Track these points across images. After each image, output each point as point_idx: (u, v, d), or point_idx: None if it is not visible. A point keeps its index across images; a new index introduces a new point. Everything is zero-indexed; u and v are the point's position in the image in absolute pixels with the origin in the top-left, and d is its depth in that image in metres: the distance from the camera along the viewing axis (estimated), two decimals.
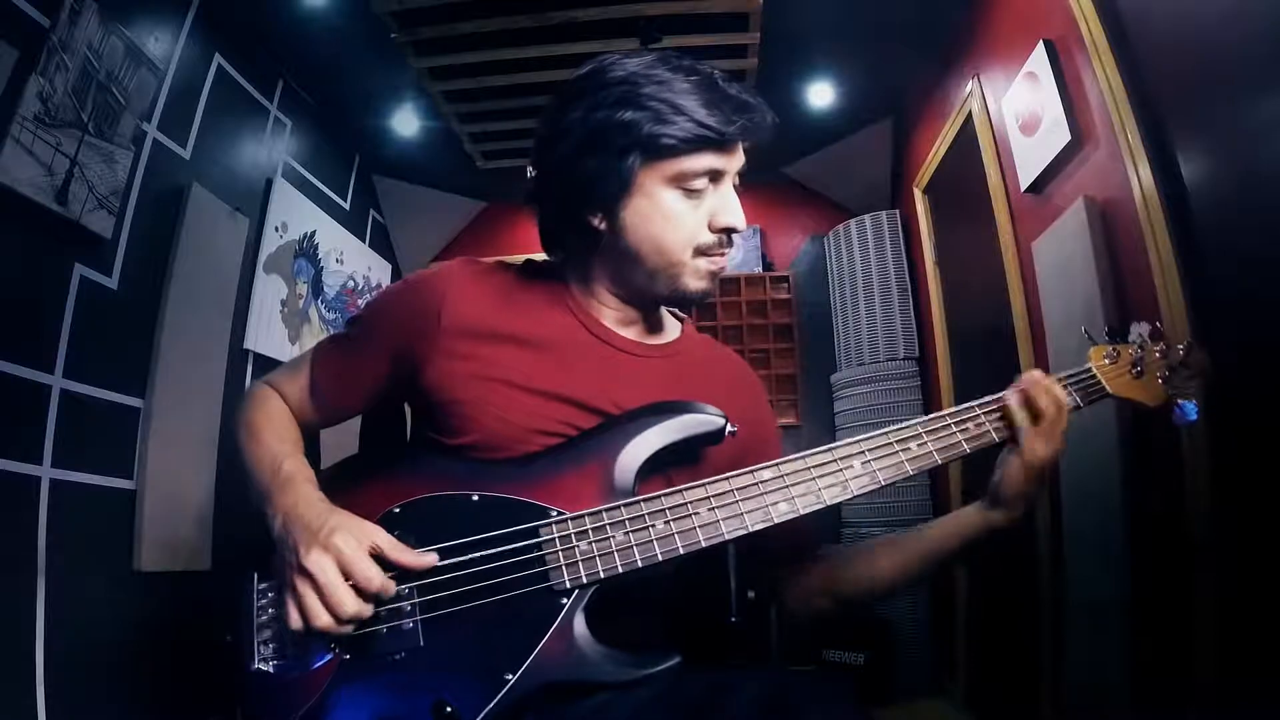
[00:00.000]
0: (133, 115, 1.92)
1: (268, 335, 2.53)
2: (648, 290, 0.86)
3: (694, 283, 0.84)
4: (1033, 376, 0.82)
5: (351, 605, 0.67)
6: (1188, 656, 1.30)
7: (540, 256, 0.95)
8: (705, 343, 1.00)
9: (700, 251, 0.83)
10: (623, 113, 0.78)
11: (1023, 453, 0.79)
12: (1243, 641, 1.20)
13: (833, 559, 0.92)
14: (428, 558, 0.71)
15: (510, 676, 0.69)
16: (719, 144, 0.79)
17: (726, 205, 0.82)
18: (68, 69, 1.71)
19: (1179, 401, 0.88)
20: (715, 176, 0.81)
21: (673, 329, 0.96)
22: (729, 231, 0.83)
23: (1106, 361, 0.89)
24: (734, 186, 0.84)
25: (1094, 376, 0.87)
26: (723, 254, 0.84)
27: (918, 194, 2.89)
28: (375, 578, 0.68)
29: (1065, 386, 0.84)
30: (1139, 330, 0.91)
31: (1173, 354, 0.89)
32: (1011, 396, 0.81)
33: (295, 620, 0.68)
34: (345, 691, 0.70)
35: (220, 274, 2.32)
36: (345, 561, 0.68)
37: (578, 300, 0.89)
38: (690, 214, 0.81)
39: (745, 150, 0.84)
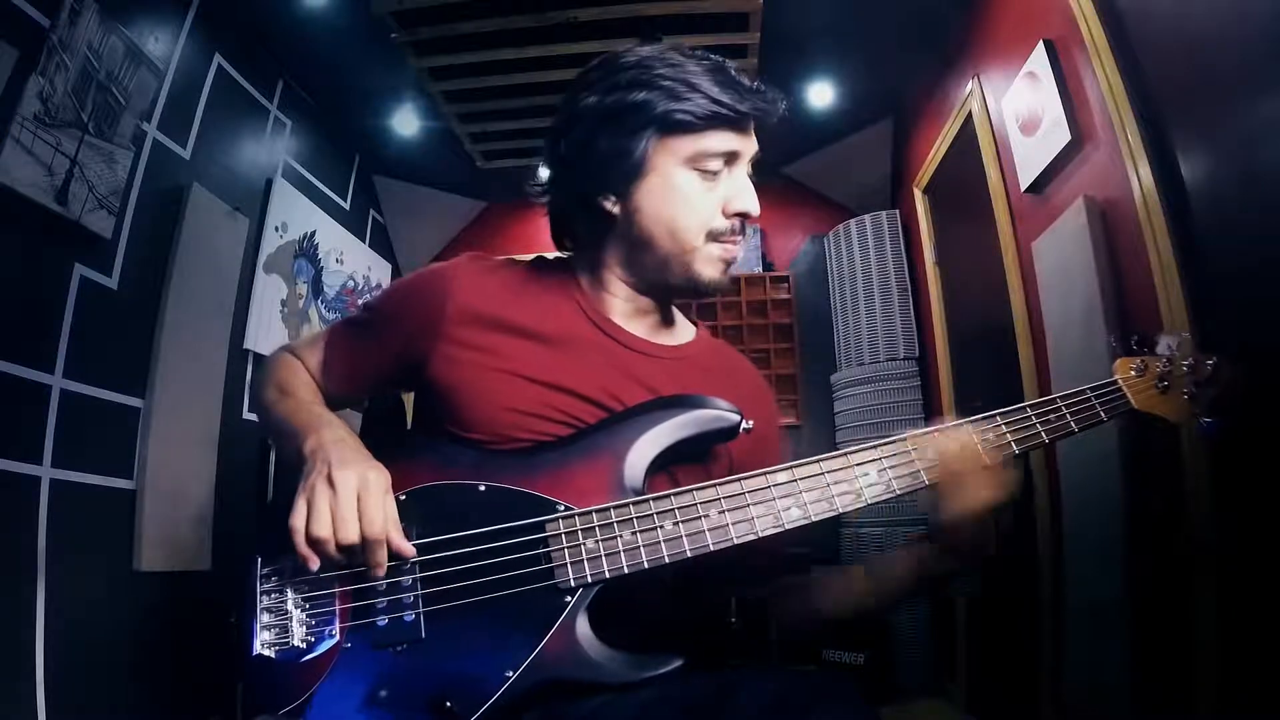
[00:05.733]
0: (133, 115, 1.92)
1: (268, 335, 2.53)
2: (660, 278, 0.85)
3: (707, 270, 0.83)
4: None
5: (354, 532, 0.68)
6: (1188, 658, 1.30)
7: (550, 254, 0.95)
8: (718, 348, 0.98)
9: (713, 237, 0.82)
10: (637, 93, 0.79)
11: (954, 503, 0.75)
12: (1243, 643, 1.20)
13: (811, 586, 0.92)
14: (410, 548, 0.71)
15: (511, 674, 0.69)
16: (734, 123, 0.80)
17: (741, 190, 0.82)
18: (68, 69, 1.71)
19: (1203, 420, 0.84)
20: (731, 159, 0.81)
21: (685, 331, 0.95)
22: (743, 217, 0.82)
23: (1133, 374, 0.84)
24: (749, 175, 0.84)
25: (1119, 391, 0.83)
26: (735, 241, 0.83)
27: (918, 194, 2.88)
28: (378, 520, 0.69)
29: (1089, 399, 0.81)
30: (1169, 342, 0.86)
31: (1200, 369, 0.84)
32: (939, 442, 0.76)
33: (299, 521, 0.68)
34: (345, 680, 0.71)
35: (220, 274, 2.32)
36: (367, 496, 0.69)
37: (586, 295, 0.88)
38: (704, 196, 0.81)
39: (758, 136, 0.84)
